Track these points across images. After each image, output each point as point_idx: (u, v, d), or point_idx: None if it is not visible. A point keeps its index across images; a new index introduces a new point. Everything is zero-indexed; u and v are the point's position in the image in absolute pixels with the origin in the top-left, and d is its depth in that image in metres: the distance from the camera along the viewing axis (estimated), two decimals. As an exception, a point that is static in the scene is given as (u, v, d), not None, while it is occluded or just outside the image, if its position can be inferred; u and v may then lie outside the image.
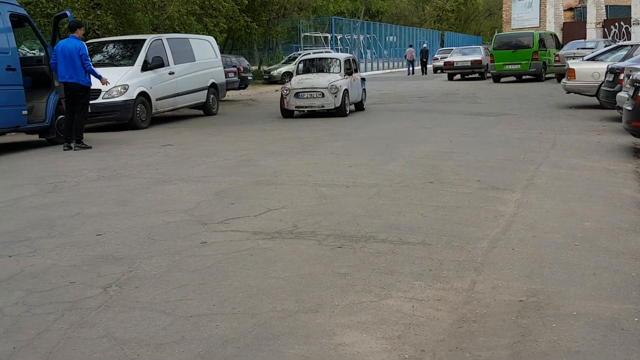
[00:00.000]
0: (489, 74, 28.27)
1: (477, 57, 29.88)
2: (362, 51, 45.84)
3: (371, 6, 74.87)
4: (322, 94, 14.55)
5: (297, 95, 14.73)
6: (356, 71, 16.42)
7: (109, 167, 8.80)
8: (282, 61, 36.24)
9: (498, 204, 6.11)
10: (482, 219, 5.59)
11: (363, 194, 6.60)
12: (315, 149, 9.89)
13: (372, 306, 3.78)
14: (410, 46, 42.43)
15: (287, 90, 14.88)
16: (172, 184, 7.39)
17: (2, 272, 4.53)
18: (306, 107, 14.88)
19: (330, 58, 16.21)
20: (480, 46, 34.26)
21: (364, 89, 16.74)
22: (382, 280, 4.19)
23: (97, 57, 14.46)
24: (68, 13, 11.31)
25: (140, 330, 3.53)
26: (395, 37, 53.47)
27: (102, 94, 13.08)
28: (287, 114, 15.14)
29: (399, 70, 48.33)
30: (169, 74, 14.72)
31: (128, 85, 13.36)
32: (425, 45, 45.22)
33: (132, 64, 13.93)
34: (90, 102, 12.56)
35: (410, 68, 39.35)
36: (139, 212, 6.12)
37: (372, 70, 45.41)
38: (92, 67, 10.86)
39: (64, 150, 10.64)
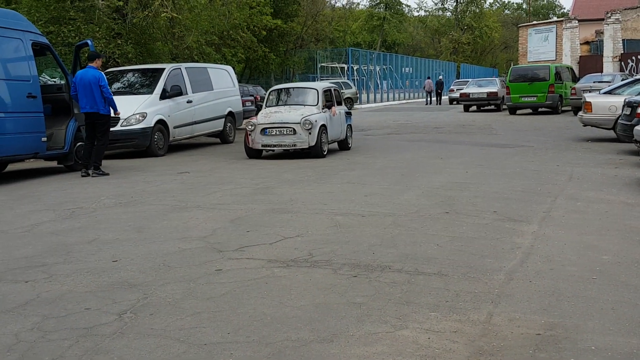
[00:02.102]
0: (504, 106, 28.27)
1: (493, 89, 29.94)
2: (379, 82, 46.12)
3: (387, 38, 75.51)
4: (294, 130, 12.32)
5: (264, 131, 12.48)
6: (340, 104, 14.31)
7: (126, 193, 8.85)
8: (299, 91, 36.41)
9: (515, 235, 6.06)
10: (498, 250, 5.55)
11: (379, 224, 6.58)
12: (332, 178, 9.90)
13: (387, 337, 3.74)
14: (429, 78, 43.39)
15: (252, 125, 12.58)
16: (188, 211, 7.42)
17: (18, 298, 4.54)
18: (274, 146, 12.55)
19: (306, 88, 13.91)
20: (496, 78, 34.39)
21: (349, 125, 14.52)
22: (398, 310, 4.15)
23: (117, 86, 14.68)
24: (89, 42, 11.50)
25: (154, 358, 3.52)
26: (411, 69, 53.81)
27: (121, 121, 13.22)
28: (252, 153, 12.78)
29: (414, 101, 48.55)
30: (187, 102, 14.88)
31: (146, 113, 13.51)
32: (440, 77, 45.72)
33: (151, 93, 14.10)
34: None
35: (429, 99, 41.00)
36: (154, 239, 6.14)
37: (387, 100, 45.64)
38: (112, 97, 11.01)
39: (82, 176, 10.74)
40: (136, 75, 15.20)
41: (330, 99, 13.66)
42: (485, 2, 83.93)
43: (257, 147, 12.63)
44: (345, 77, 40.93)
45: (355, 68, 42.89)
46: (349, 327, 3.89)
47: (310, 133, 12.33)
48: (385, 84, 47.20)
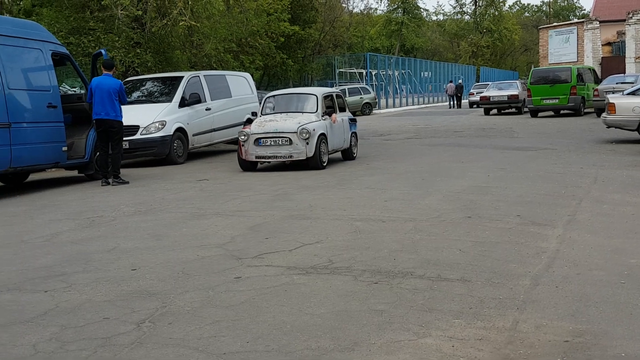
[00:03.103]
0: (526, 109, 27.99)
1: (514, 92, 29.64)
2: (397, 86, 46.00)
3: (406, 42, 75.33)
4: (290, 140, 11.41)
5: (257, 142, 11.55)
6: (343, 110, 13.40)
7: (146, 202, 8.84)
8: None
9: (539, 239, 5.93)
10: (523, 255, 5.43)
11: (399, 229, 6.49)
12: (351, 183, 9.82)
13: (410, 345, 3.65)
14: (451, 81, 43.61)
15: (244, 135, 11.63)
16: (207, 219, 7.38)
17: (37, 308, 4.51)
18: (269, 157, 11.67)
19: (304, 94, 12.90)
20: (517, 81, 34.09)
21: (354, 132, 13.55)
22: (420, 317, 4.06)
23: (136, 94, 14.76)
24: (103, 52, 11.56)
25: (172, 367, 3.46)
26: (430, 73, 53.63)
27: (141, 129, 13.29)
28: (246, 166, 11.87)
29: (434, 105, 48.33)
30: (206, 109, 14.90)
31: (165, 122, 13.55)
32: (460, 80, 45.60)
33: (170, 101, 14.14)
34: (129, 138, 12.83)
35: (451, 102, 41.28)
36: (174, 247, 6.10)
37: (407, 105, 45.50)
38: (126, 100, 11.15)
39: (102, 185, 10.76)
40: (155, 83, 15.26)
41: (331, 105, 12.90)
42: (505, 5, 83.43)
43: (251, 158, 11.71)
44: (364, 83, 40.87)
45: (373, 73, 42.82)
46: (371, 335, 3.80)
47: (307, 143, 11.41)
48: (404, 89, 47.06)
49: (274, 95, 13.23)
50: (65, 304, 4.57)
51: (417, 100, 48.60)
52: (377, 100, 37.55)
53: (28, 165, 10.41)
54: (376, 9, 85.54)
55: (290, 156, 11.54)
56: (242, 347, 3.70)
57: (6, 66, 9.95)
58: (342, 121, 12.94)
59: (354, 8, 68.67)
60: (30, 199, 9.74)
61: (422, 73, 51.86)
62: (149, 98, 14.72)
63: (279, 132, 11.50)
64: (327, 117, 12.25)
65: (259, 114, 12.56)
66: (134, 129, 13.21)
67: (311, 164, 11.62)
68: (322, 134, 11.79)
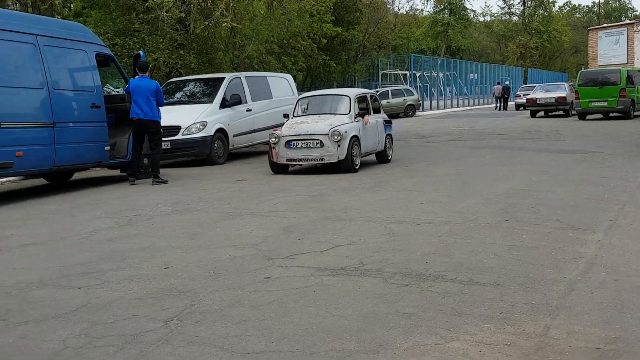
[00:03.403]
0: (573, 111, 27.42)
1: (562, 94, 29.07)
2: (442, 88, 45.61)
3: (452, 43, 74.60)
4: (321, 142, 11.18)
5: (288, 144, 11.37)
6: (378, 111, 13.11)
7: (183, 201, 8.94)
8: (360, 98, 36.38)
9: (578, 244, 5.78)
10: (559, 260, 5.29)
11: (434, 232, 6.40)
12: (388, 185, 9.75)
13: (436, 349, 3.59)
14: (498, 83, 43.38)
15: (275, 137, 11.46)
16: (242, 219, 7.41)
17: (70, 303, 4.58)
18: (300, 160, 11.47)
19: (337, 95, 12.67)
20: (564, 83, 33.45)
21: (389, 135, 13.24)
22: (448, 321, 3.99)
23: (178, 95, 14.95)
24: (141, 53, 11.72)
25: (196, 365, 3.47)
26: (476, 74, 53.02)
27: (182, 130, 13.46)
28: (277, 169, 11.67)
29: (480, 107, 47.76)
30: (247, 110, 15.00)
31: (206, 122, 13.68)
32: (507, 82, 45.06)
33: (211, 102, 14.29)
34: (170, 138, 13.02)
35: (498, 104, 41.21)
36: (207, 246, 6.14)
37: (452, 107, 45.07)
38: (164, 101, 11.25)
39: (130, 185, 10.89)
40: (197, 84, 15.45)
41: (365, 107, 12.56)
42: (554, 6, 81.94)
43: (282, 161, 11.51)
44: (408, 84, 40.62)
45: (417, 75, 42.52)
46: (397, 338, 3.75)
47: (339, 145, 11.14)
48: (449, 90, 46.63)
49: (306, 97, 12.99)
50: (97, 301, 4.63)
51: (463, 102, 48.11)
52: (420, 102, 37.27)
53: (71, 164, 10.63)
54: (422, 10, 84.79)
55: (322, 159, 11.31)
56: (267, 347, 3.69)
57: (52, 67, 10.18)
58: (376, 123, 12.65)
59: (399, 9, 68.25)
60: (72, 197, 9.95)
61: (468, 75, 51.34)
62: (191, 99, 14.91)
63: (310, 134, 11.31)
64: (360, 118, 11.95)
65: (290, 115, 12.31)
66: (176, 129, 13.39)
67: (343, 166, 11.36)
68: (355, 136, 11.52)
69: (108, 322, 4.19)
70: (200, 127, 13.62)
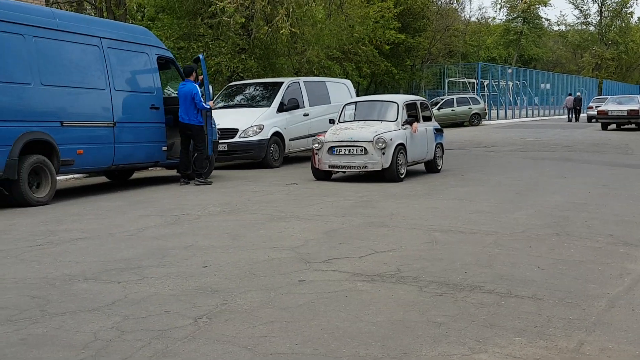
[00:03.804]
0: (646, 125, 26.45)
1: (635, 107, 28.05)
2: (511, 98, 44.70)
3: (524, 52, 73.07)
4: (365, 149, 10.85)
5: (331, 150, 11.10)
6: (428, 119, 12.73)
7: (232, 202, 9.04)
8: (425, 106, 36.04)
9: (627, 261, 5.55)
10: (605, 275, 5.09)
11: (478, 242, 6.26)
12: (440, 193, 9.62)
13: (462, 360, 3.50)
14: (570, 94, 42.57)
15: (318, 143, 11.24)
16: (286, 222, 7.44)
17: (107, 297, 4.69)
18: (342, 167, 11.14)
19: (385, 101, 12.28)
20: (638, 96, 32.28)
21: (440, 144, 12.84)
22: (479, 333, 3.88)
23: (238, 98, 15.16)
24: (201, 57, 11.89)
25: (218, 364, 3.49)
26: (548, 84, 51.77)
27: (239, 133, 13.64)
28: (319, 175, 11.43)
29: (550, 118, 46.62)
30: (304, 115, 15.08)
31: (263, 126, 13.83)
32: (579, 93, 44.07)
33: (269, 105, 14.43)
34: (227, 140, 13.21)
35: (570, 115, 40.95)
36: (247, 247, 6.18)
37: (520, 117, 44.14)
38: (203, 105, 11.21)
39: (180, 185, 11.09)
40: (256, 88, 15.64)
41: (414, 114, 12.11)
42: (632, 16, 79.27)
43: (324, 167, 11.23)
44: (475, 93, 40.01)
45: (485, 83, 41.82)
46: (423, 347, 3.67)
47: (384, 153, 10.76)
48: (518, 100, 45.68)
49: (353, 102, 12.66)
50: (133, 296, 4.72)
51: (532, 113, 47.07)
52: (487, 111, 36.62)
53: (130, 163, 10.91)
54: (494, 17, 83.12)
55: (365, 166, 10.95)
56: (290, 348, 3.67)
57: (115, 69, 10.50)
58: (426, 131, 12.26)
59: (470, 17, 67.24)
60: (128, 195, 10.20)
61: (540, 85, 50.19)
62: (250, 102, 15.10)
63: (354, 141, 10.98)
64: (407, 126, 11.56)
65: (336, 121, 12.08)
66: (233, 132, 13.58)
67: (387, 175, 10.99)
68: (401, 144, 11.15)
69: (140, 317, 4.26)
70: (257, 130, 13.77)
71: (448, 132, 27.81)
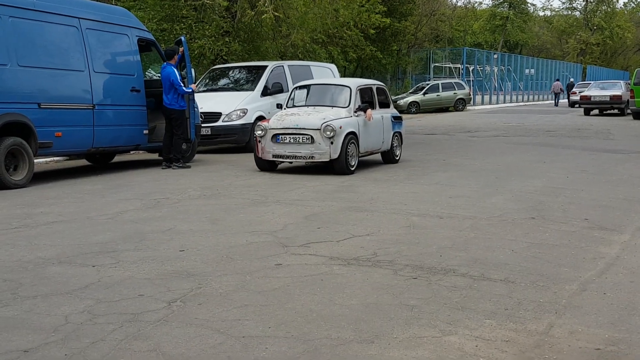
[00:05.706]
0: (628, 111, 26.59)
1: (617, 92, 28.23)
2: (495, 83, 44.81)
3: (510, 38, 73.16)
4: (311, 138, 9.83)
5: (275, 138, 10.09)
6: (386, 106, 11.67)
7: (213, 186, 9.02)
8: (410, 90, 36.13)
9: (601, 245, 5.61)
10: (578, 259, 5.14)
11: (455, 226, 6.30)
12: (421, 178, 9.65)
13: (432, 342, 3.53)
14: (557, 80, 42.80)
15: (262, 130, 10.19)
16: (266, 206, 7.43)
17: (81, 281, 4.67)
18: (287, 157, 10.13)
19: (336, 85, 11.29)
20: (621, 81, 32.47)
21: (398, 132, 11.72)
22: (450, 315, 3.92)
23: (222, 82, 15.06)
24: (182, 39, 11.77)
25: (189, 347, 3.49)
26: (533, 70, 51.92)
27: (222, 117, 13.58)
28: (263, 165, 10.40)
29: (535, 103, 46.79)
30: (288, 99, 15.00)
31: (247, 110, 13.77)
32: (572, 79, 44.51)
33: (253, 89, 14.36)
34: (211, 124, 13.14)
35: (557, 100, 41.53)
36: (226, 231, 6.18)
37: (504, 102, 44.27)
38: (183, 89, 11.07)
39: (162, 169, 11.03)
40: (240, 72, 15.54)
41: (371, 100, 11.08)
42: (618, 2, 79.44)
43: (268, 157, 10.22)
44: (460, 78, 40.06)
45: (470, 68, 41.87)
46: (394, 329, 3.70)
47: (332, 142, 9.75)
48: (503, 85, 45.80)
49: (306, 86, 11.52)
50: (107, 279, 4.71)
51: (517, 98, 47.21)
52: (471, 96, 36.69)
53: (110, 146, 10.83)
54: (481, 2, 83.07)
55: (312, 157, 9.93)
56: (263, 332, 3.69)
57: (94, 50, 10.38)
58: (382, 119, 11.19)
59: (457, 1, 67.08)
60: (108, 178, 10.13)
61: (525, 70, 50.32)
62: (233, 86, 15.02)
63: (300, 128, 9.96)
64: (361, 113, 10.57)
65: (284, 106, 11.18)
66: (216, 116, 13.52)
67: (336, 166, 9.95)
68: (352, 133, 10.12)
69: (113, 300, 4.25)
70: (241, 114, 13.71)
71: (433, 118, 27.96)
